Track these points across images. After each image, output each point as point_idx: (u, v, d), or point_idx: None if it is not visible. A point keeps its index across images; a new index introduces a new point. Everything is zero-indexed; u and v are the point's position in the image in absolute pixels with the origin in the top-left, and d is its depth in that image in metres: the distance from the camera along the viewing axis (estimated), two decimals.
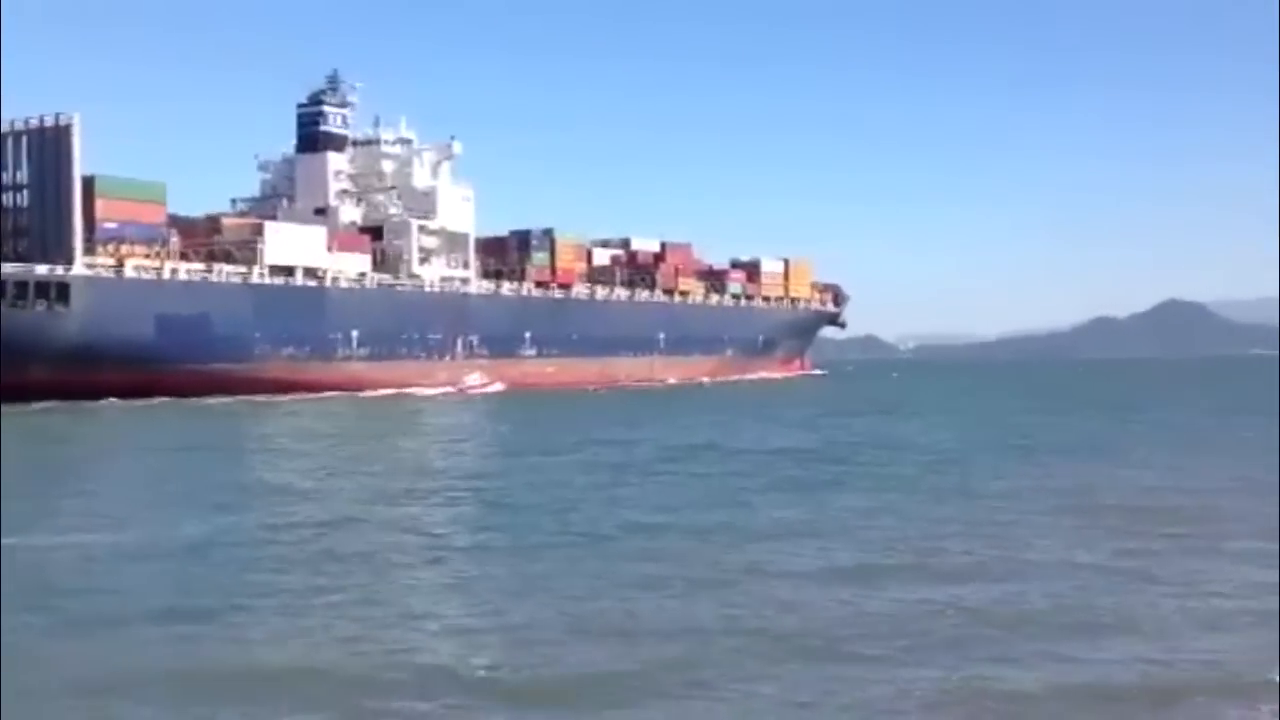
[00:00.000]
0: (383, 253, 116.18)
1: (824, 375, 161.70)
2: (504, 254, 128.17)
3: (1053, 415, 71.94)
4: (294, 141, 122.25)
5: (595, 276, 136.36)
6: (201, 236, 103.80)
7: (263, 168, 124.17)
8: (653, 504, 30.75)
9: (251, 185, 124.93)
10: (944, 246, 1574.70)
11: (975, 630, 17.08)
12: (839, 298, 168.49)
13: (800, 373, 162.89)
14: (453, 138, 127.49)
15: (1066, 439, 52.52)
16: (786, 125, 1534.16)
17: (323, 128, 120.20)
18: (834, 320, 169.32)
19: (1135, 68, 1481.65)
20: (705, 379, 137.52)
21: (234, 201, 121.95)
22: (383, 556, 23.55)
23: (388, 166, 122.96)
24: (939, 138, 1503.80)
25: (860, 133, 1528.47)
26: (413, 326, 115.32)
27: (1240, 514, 27.84)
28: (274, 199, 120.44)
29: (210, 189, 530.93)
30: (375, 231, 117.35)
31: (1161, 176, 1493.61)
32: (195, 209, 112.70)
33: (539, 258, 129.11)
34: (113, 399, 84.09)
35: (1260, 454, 41.73)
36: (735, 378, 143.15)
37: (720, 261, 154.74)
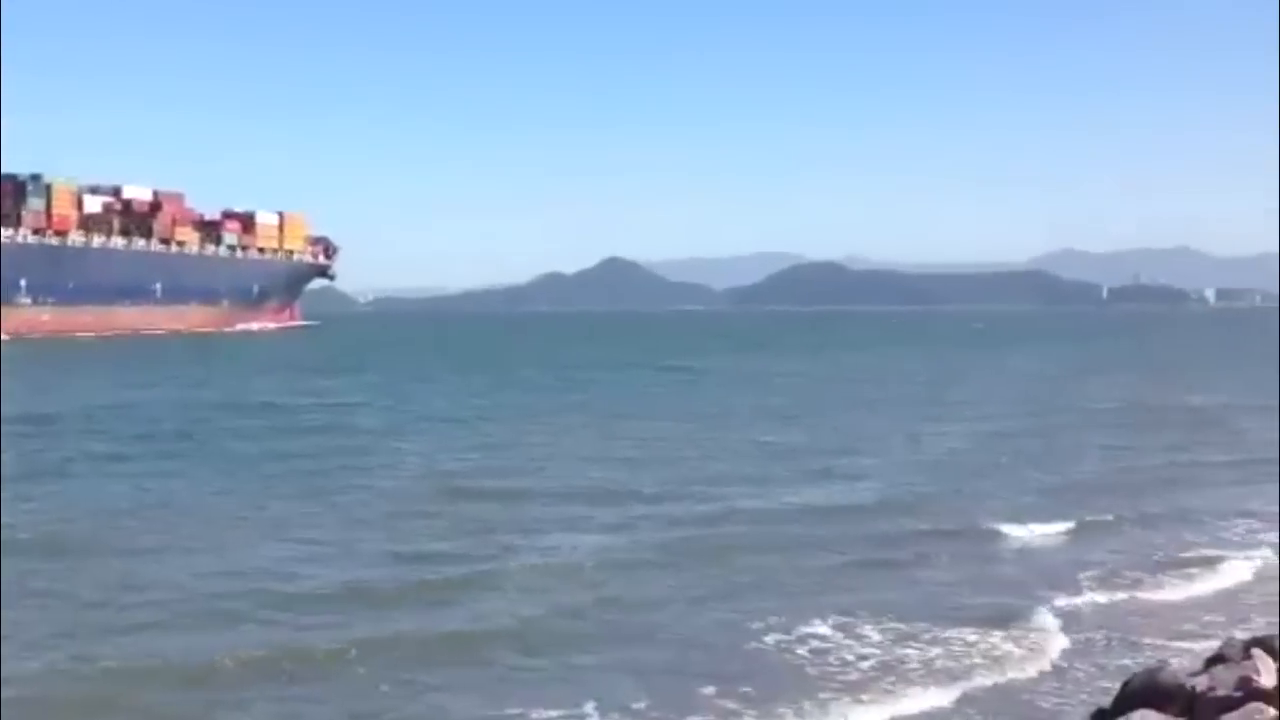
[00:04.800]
0: None
1: (316, 326, 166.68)
2: None
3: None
4: None
5: (88, 224, 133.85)
6: None
7: None
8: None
9: None
10: (408, 203, 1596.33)
11: None
12: (330, 250, 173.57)
13: (291, 324, 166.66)
14: None
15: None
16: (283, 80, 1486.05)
17: None
18: (325, 272, 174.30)
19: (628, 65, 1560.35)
20: (183, 329, 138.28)
21: None
22: None
23: None
24: (411, 102, 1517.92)
25: (347, 96, 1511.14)
26: None
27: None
28: None
29: None
30: None
31: (602, 148, 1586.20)
32: None
33: (34, 203, 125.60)
34: None
35: None
36: (229, 328, 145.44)
37: (213, 212, 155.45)
